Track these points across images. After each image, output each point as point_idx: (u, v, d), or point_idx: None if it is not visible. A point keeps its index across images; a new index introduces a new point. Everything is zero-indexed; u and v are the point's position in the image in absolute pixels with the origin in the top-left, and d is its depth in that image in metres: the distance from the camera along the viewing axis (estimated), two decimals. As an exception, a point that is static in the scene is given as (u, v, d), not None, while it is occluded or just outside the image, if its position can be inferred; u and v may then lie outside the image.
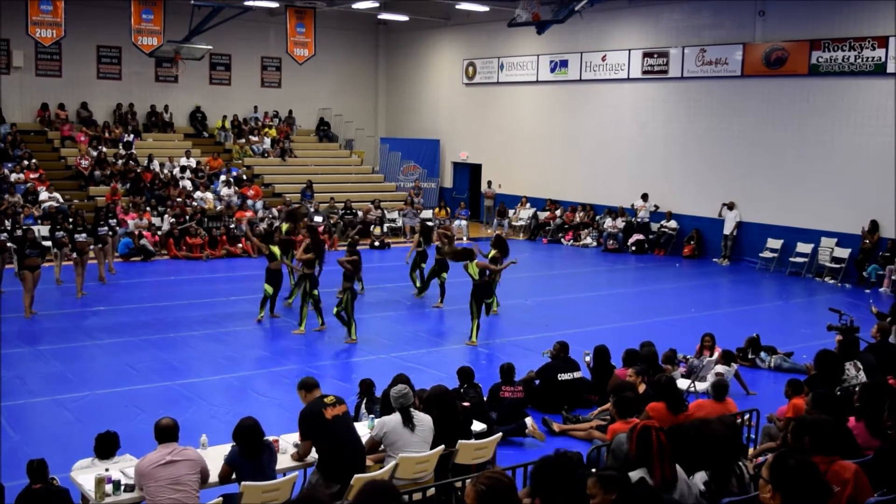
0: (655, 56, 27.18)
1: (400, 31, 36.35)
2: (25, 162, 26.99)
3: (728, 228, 25.08)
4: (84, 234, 19.17)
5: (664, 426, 6.34)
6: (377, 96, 38.09)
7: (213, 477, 7.45)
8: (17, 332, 15.63)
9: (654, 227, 27.14)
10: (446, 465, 8.31)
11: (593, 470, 6.11)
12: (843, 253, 22.75)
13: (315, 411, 7.79)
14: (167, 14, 24.95)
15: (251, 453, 7.44)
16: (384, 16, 33.45)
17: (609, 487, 5.07)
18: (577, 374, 12.01)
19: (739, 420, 9.22)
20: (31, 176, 26.37)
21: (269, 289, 16.77)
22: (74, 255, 18.75)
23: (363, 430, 8.66)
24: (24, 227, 19.38)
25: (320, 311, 16.02)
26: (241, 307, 18.12)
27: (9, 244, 18.95)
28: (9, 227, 20.93)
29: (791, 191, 23.86)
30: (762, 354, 14.54)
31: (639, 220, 27.19)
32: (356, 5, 29.59)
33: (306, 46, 27.01)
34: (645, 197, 27.21)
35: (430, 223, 23.35)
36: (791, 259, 23.67)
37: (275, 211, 27.17)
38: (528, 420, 10.78)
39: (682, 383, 11.80)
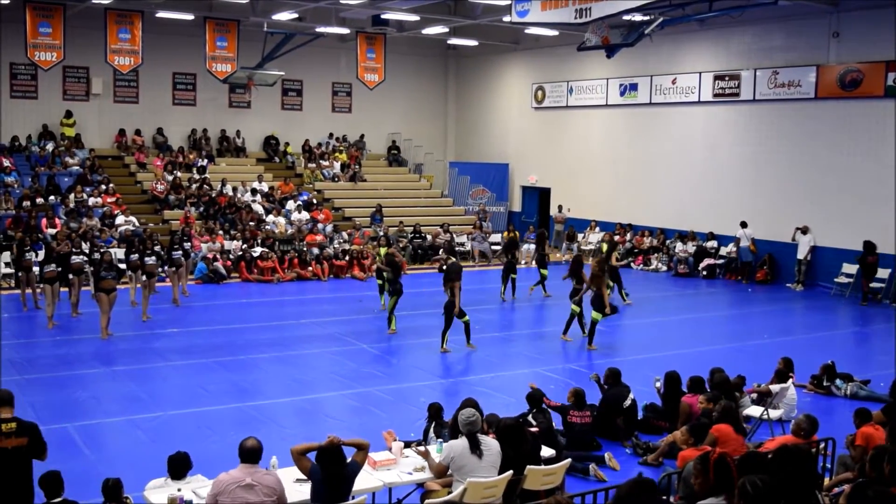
0: (727, 79, 26.89)
1: (469, 55, 36.54)
2: (103, 186, 27.62)
3: (802, 253, 24.56)
4: (153, 258, 19.49)
5: (730, 447, 6.27)
6: (446, 120, 38.31)
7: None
8: (94, 353, 15.97)
9: (724, 251, 26.72)
10: (514, 490, 8.26)
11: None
12: (923, 278, 22.17)
13: None
14: (241, 41, 25.54)
15: (330, 479, 7.38)
16: (454, 41, 33.66)
17: None
18: (632, 396, 11.81)
19: (814, 449, 9.02)
20: (109, 200, 26.98)
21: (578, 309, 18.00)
22: (144, 277, 19.09)
23: (432, 453, 8.63)
24: (102, 250, 19.74)
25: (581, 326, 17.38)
26: (311, 330, 18.29)
27: (85, 266, 19.33)
28: (87, 250, 21.37)
29: (866, 214, 23.27)
30: (838, 382, 14.20)
31: (740, 248, 25.94)
32: (426, 31, 29.88)
33: (376, 72, 27.39)
34: (744, 224, 25.74)
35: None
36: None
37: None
38: (607, 455, 10.61)
39: (755, 411, 11.62)
